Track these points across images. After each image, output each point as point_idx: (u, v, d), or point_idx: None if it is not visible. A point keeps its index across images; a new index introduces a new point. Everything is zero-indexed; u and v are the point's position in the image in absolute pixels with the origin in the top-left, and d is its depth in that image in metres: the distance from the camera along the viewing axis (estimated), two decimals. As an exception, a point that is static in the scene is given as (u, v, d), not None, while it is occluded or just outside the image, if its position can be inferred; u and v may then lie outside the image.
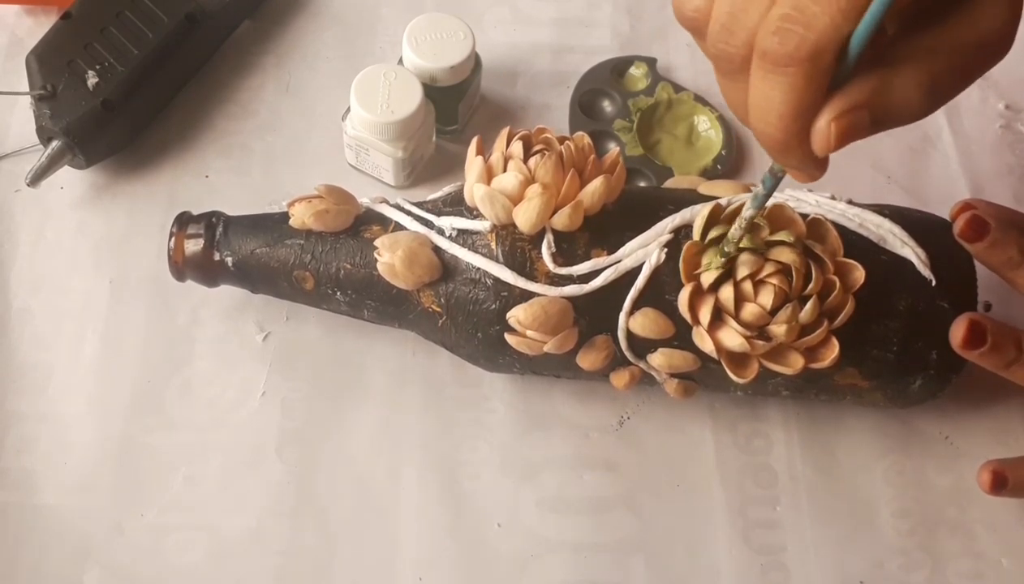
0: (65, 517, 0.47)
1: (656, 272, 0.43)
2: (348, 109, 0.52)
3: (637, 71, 0.60)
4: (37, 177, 0.52)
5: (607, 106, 0.59)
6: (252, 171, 0.56)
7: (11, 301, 0.52)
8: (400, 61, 0.54)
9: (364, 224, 0.46)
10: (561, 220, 0.43)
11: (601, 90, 0.59)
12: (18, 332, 0.51)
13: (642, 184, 0.56)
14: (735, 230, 0.40)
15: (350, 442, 0.49)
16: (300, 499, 0.48)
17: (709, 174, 0.56)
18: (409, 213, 0.46)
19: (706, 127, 0.58)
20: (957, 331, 0.43)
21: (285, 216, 0.46)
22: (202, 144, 0.56)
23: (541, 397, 0.50)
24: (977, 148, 0.59)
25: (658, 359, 0.44)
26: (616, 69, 0.60)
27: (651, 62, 0.60)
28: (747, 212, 0.39)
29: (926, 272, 0.44)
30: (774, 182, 0.36)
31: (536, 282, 0.43)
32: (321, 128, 0.57)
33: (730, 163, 0.57)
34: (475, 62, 0.54)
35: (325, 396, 0.50)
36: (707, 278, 0.41)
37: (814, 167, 0.32)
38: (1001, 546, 0.48)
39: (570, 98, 0.59)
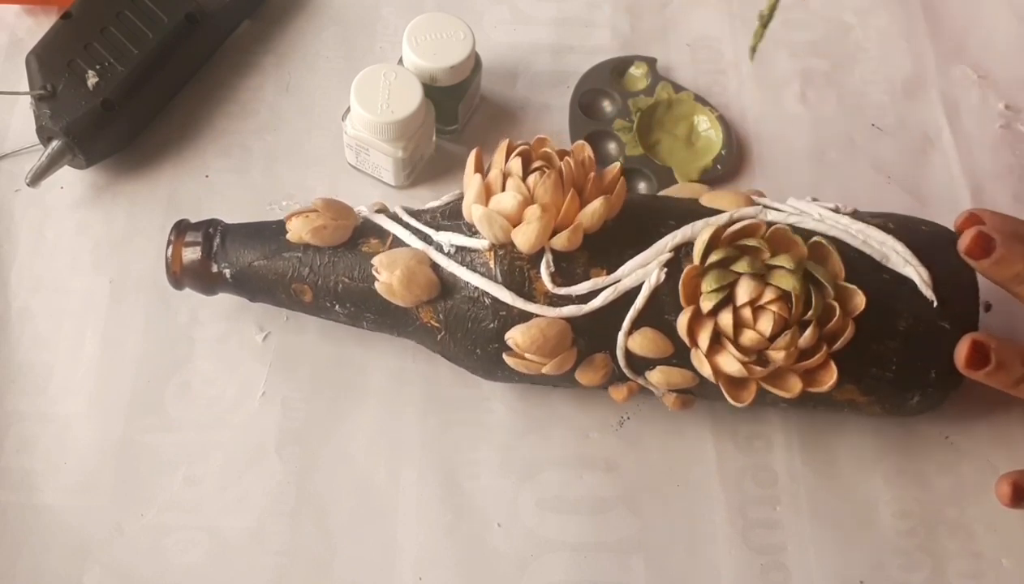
0: (65, 517, 0.47)
1: (655, 292, 0.43)
2: (348, 109, 0.52)
3: (637, 71, 0.60)
4: (37, 177, 0.52)
5: (607, 106, 0.59)
6: (252, 171, 0.56)
7: (11, 301, 0.52)
8: (400, 61, 0.54)
9: (362, 236, 0.46)
10: (560, 242, 0.43)
11: (601, 90, 0.59)
12: (18, 332, 0.51)
13: (642, 185, 0.56)
14: None
15: (350, 442, 0.49)
16: (300, 499, 0.48)
17: (709, 174, 0.56)
18: (407, 226, 0.46)
19: (706, 127, 0.58)
20: (960, 352, 0.43)
21: (283, 226, 0.46)
22: (202, 144, 0.56)
23: (541, 397, 0.50)
24: (977, 148, 0.59)
25: (656, 376, 0.44)
26: (616, 69, 0.60)
27: (651, 62, 0.60)
28: None
29: (928, 293, 0.44)
30: None
31: (535, 302, 0.43)
32: (321, 128, 0.57)
33: (730, 163, 0.57)
34: (475, 62, 0.54)
35: (325, 396, 0.50)
36: (707, 304, 0.41)
37: None
38: (1001, 546, 0.48)
39: (570, 98, 0.58)
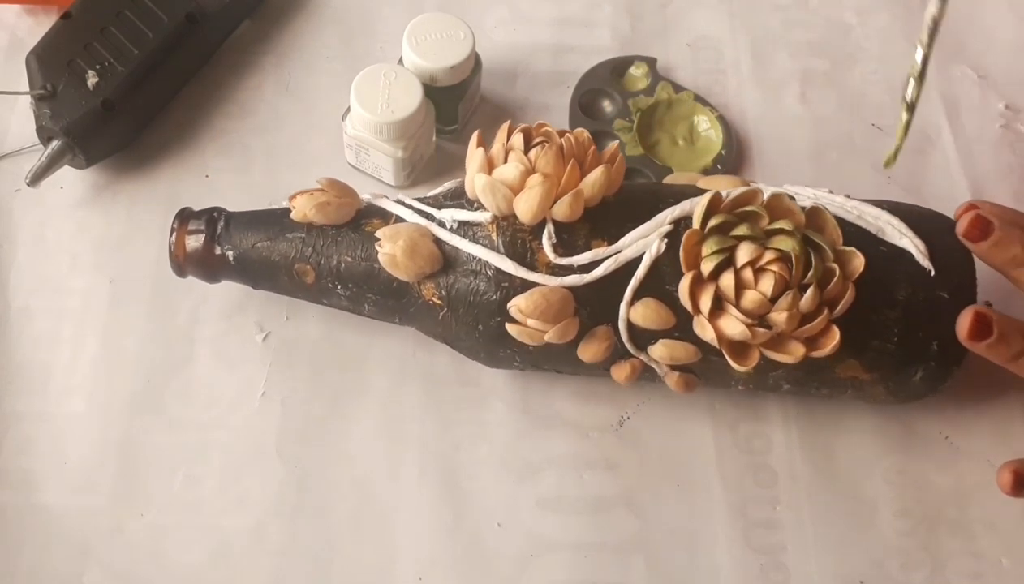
0: (65, 517, 0.47)
1: (656, 262, 0.43)
2: (348, 109, 0.52)
3: (637, 71, 0.60)
4: (37, 177, 0.52)
5: (607, 106, 0.59)
6: (252, 171, 0.56)
7: (11, 301, 0.52)
8: (400, 61, 0.54)
9: (365, 218, 0.47)
10: (561, 210, 0.43)
11: (601, 90, 0.59)
12: (18, 332, 0.51)
13: (642, 184, 0.56)
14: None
15: (350, 442, 0.49)
16: (300, 499, 0.48)
17: (709, 174, 0.56)
18: (410, 207, 0.46)
19: (706, 127, 0.58)
20: (963, 323, 0.43)
21: (286, 211, 0.47)
22: (202, 143, 0.56)
23: (541, 396, 0.50)
24: (977, 148, 0.59)
25: (659, 350, 0.44)
26: (616, 69, 0.60)
27: (651, 62, 0.60)
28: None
29: (925, 263, 0.44)
30: None
31: (537, 272, 0.43)
32: (321, 128, 0.57)
33: (730, 163, 0.57)
34: (475, 62, 0.54)
35: (325, 396, 0.50)
36: (707, 266, 0.42)
37: None
38: (1001, 546, 0.48)
39: (570, 98, 0.59)
